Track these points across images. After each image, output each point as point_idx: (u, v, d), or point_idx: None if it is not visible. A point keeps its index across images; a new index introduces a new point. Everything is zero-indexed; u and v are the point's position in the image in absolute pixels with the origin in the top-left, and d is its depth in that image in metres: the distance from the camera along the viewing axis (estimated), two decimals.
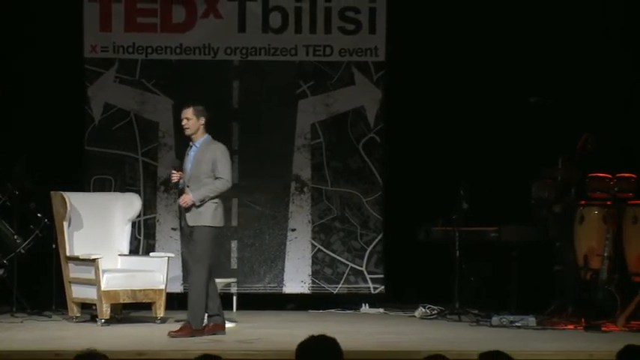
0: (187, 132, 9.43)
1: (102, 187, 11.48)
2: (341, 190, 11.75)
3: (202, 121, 9.42)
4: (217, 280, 10.63)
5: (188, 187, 9.35)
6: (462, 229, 10.96)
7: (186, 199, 9.28)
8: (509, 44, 11.66)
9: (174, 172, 9.44)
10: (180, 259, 11.09)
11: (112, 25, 11.61)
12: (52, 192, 10.60)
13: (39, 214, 10.75)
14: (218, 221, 9.40)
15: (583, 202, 10.82)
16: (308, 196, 11.74)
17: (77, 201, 10.65)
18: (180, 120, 9.49)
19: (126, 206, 10.87)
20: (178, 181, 9.42)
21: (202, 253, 9.37)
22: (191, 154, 9.44)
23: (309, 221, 11.73)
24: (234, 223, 11.66)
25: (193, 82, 11.61)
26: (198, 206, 9.29)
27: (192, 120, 9.41)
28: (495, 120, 11.63)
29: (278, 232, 11.71)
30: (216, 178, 9.35)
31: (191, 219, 9.35)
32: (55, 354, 7.22)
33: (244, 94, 11.72)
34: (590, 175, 10.75)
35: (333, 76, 11.74)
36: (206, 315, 9.38)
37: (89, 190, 11.39)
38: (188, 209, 9.33)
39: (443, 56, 11.77)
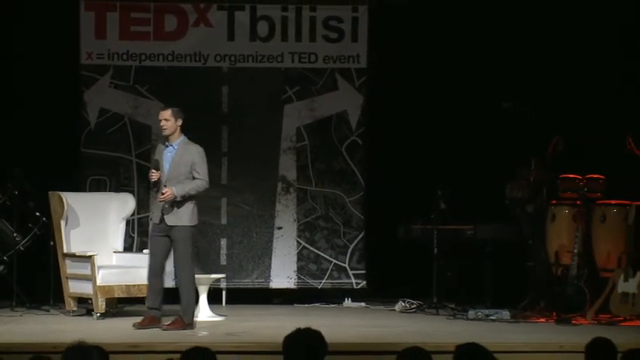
0: (165, 132, 9.37)
1: (97, 187, 11.46)
2: (325, 191, 11.74)
3: (179, 122, 9.39)
4: (207, 276, 10.67)
5: (165, 186, 9.29)
6: (439, 228, 10.96)
7: (169, 192, 9.20)
8: (483, 52, 11.68)
9: (153, 171, 9.36)
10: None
11: (107, 33, 11.59)
12: (49, 192, 10.59)
13: (37, 213, 10.72)
14: (195, 220, 9.41)
15: (554, 201, 10.84)
16: (293, 196, 11.74)
17: (74, 200, 10.63)
18: (159, 121, 9.46)
19: (120, 205, 10.86)
20: (158, 180, 9.38)
21: (187, 253, 9.38)
22: (168, 154, 9.37)
23: (294, 220, 11.72)
24: (224, 221, 11.65)
25: (184, 87, 11.60)
26: (178, 205, 9.25)
27: (170, 121, 9.36)
28: (471, 123, 11.65)
29: (265, 230, 11.70)
30: (195, 179, 9.35)
31: (170, 219, 9.29)
32: (53, 346, 7.19)
33: (233, 99, 11.71)
34: (560, 176, 10.78)
35: (318, 82, 11.74)
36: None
37: (85, 190, 11.36)
38: (168, 209, 9.26)
39: (421, 64, 11.78)
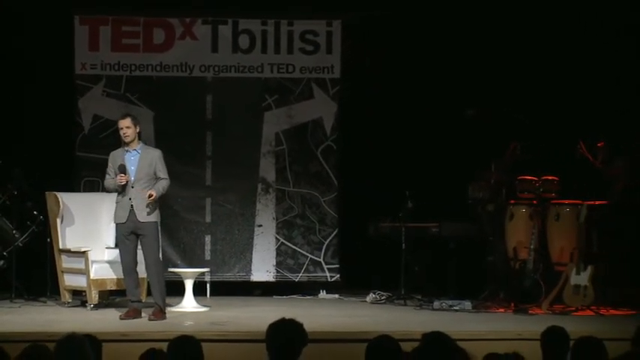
0: (127, 139, 9.38)
1: (91, 188, 11.41)
2: (301, 191, 11.74)
3: (138, 129, 9.46)
4: (193, 270, 10.65)
5: (133, 187, 9.32)
6: (407, 225, 10.97)
7: (153, 192, 9.25)
8: (447, 64, 11.71)
9: (122, 175, 9.33)
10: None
11: (100, 46, 11.55)
12: (46, 192, 10.57)
13: (35, 212, 10.69)
14: (159, 216, 9.49)
15: (512, 201, 10.87)
16: (273, 196, 11.72)
17: (69, 200, 10.60)
18: (119, 129, 9.44)
19: (112, 205, 10.78)
20: (126, 183, 9.36)
21: (157, 247, 9.50)
22: (132, 159, 9.39)
23: (273, 218, 11.71)
24: (208, 219, 11.63)
25: (172, 96, 11.58)
26: (147, 204, 9.28)
27: (131, 128, 9.39)
28: (436, 129, 11.67)
29: (246, 228, 11.69)
30: (159, 179, 9.40)
31: (142, 216, 9.31)
32: (49, 335, 7.15)
33: (217, 107, 11.68)
34: (518, 177, 10.81)
35: (295, 91, 11.73)
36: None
37: (80, 191, 11.32)
38: (138, 206, 9.28)
39: (390, 74, 11.80)
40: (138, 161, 9.40)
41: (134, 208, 9.32)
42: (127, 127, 9.37)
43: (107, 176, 9.54)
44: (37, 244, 10.75)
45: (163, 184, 9.42)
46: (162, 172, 9.44)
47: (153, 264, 9.42)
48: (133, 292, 9.46)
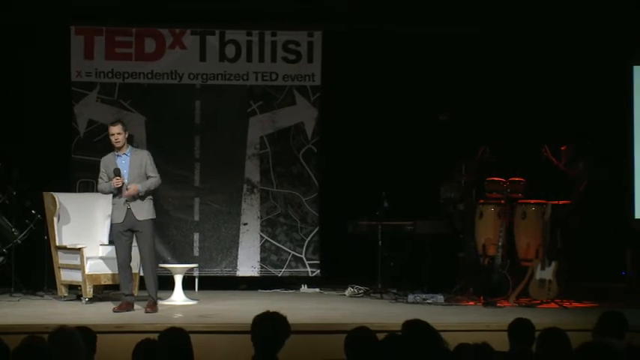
0: (118, 145, 9.37)
1: (86, 188, 11.35)
2: (284, 191, 11.72)
3: (127, 134, 9.46)
4: (182, 266, 10.62)
5: (127, 189, 9.30)
6: (383, 223, 10.98)
7: (134, 187, 9.24)
8: (420, 70, 11.75)
9: (118, 178, 9.31)
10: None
11: (95, 55, 11.50)
12: (44, 192, 10.53)
13: (33, 211, 10.64)
14: (155, 214, 9.48)
15: (482, 200, 10.89)
16: (257, 196, 11.70)
17: (65, 200, 10.57)
18: (110, 135, 9.40)
19: (105, 204, 10.74)
20: (122, 186, 9.34)
21: (152, 244, 9.47)
22: (123, 162, 9.38)
23: (258, 217, 11.69)
24: (197, 218, 11.60)
25: (162, 102, 11.55)
26: (143, 202, 9.28)
27: (122, 134, 9.37)
28: (410, 133, 11.71)
29: (232, 226, 11.66)
30: (149, 177, 9.39)
31: (139, 214, 9.30)
32: (46, 327, 7.11)
33: (204, 112, 11.65)
34: (487, 178, 10.83)
35: (278, 98, 11.71)
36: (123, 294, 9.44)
37: (75, 191, 11.26)
38: (136, 206, 9.27)
39: (368, 81, 11.83)
40: (129, 164, 9.38)
41: (131, 209, 9.30)
42: (117, 133, 9.35)
43: (100, 180, 9.51)
44: (35, 242, 10.71)
45: (152, 181, 9.40)
46: (152, 171, 9.43)
47: (148, 259, 9.40)
48: (127, 286, 9.43)
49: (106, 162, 9.47)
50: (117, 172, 9.32)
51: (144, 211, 9.33)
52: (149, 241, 9.38)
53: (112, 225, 9.60)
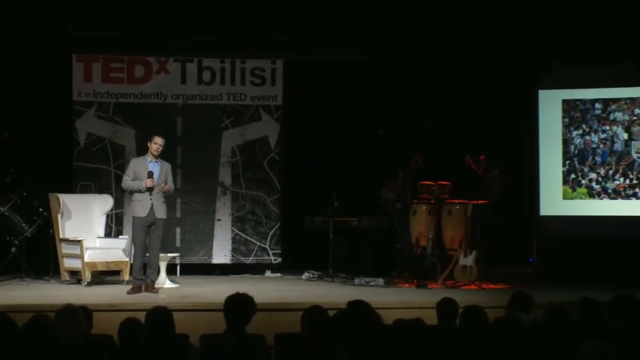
0: (157, 153, 9.41)
1: (85, 190, 11.27)
2: (252, 193, 11.71)
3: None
4: (167, 255, 10.56)
5: (154, 190, 9.34)
6: (334, 220, 11.00)
7: (170, 186, 9.42)
8: (363, 91, 11.79)
9: (151, 179, 9.32)
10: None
11: (93, 78, 11.42)
12: (50, 194, 10.47)
13: (40, 209, 10.57)
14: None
15: (415, 201, 10.94)
16: (229, 196, 11.68)
17: (68, 200, 10.50)
18: (154, 143, 9.38)
19: (102, 203, 10.75)
20: (153, 186, 9.32)
21: (161, 238, 9.49)
22: (156, 168, 9.39)
23: (229, 214, 11.67)
24: (178, 215, 11.55)
25: (149, 118, 11.48)
26: (163, 203, 9.36)
27: (162, 147, 9.43)
28: (357, 144, 11.72)
29: (208, 222, 11.63)
30: (168, 184, 9.45)
31: (158, 212, 9.34)
32: (51, 306, 7.05)
33: (185, 127, 11.61)
34: (420, 182, 10.89)
35: (246, 115, 11.70)
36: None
37: (76, 193, 11.18)
38: (158, 206, 9.31)
39: (321, 101, 11.85)
40: (159, 170, 9.39)
41: (153, 207, 9.30)
42: (161, 145, 9.36)
43: (127, 177, 9.45)
44: (42, 235, 10.61)
45: (172, 186, 9.53)
46: (171, 180, 9.53)
47: (157, 249, 9.42)
48: (139, 272, 9.35)
49: (137, 164, 9.45)
50: (150, 175, 9.33)
51: (162, 210, 9.38)
52: (160, 236, 9.41)
53: (133, 218, 9.43)
